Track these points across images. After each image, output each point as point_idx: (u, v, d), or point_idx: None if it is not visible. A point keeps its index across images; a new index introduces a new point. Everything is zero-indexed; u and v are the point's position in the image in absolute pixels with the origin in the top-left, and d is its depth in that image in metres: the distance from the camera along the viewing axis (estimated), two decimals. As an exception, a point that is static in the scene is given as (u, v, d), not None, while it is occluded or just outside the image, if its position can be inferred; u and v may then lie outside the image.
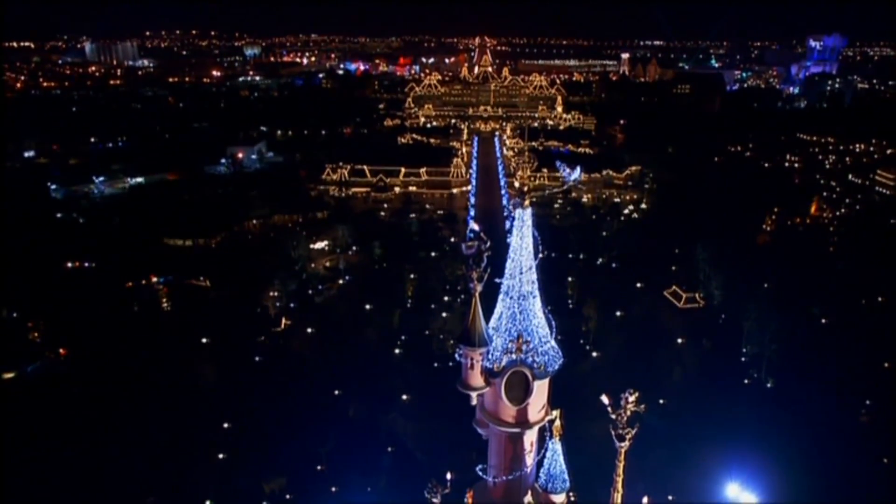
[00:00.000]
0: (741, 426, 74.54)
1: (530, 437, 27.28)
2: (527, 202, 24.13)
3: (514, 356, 25.87)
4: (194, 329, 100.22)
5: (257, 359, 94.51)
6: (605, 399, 22.84)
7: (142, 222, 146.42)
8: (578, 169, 24.51)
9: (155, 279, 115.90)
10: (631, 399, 22.58)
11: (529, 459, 27.59)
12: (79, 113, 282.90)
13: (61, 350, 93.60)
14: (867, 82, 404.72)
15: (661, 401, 79.74)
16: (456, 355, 26.51)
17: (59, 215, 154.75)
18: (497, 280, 26.24)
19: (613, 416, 22.91)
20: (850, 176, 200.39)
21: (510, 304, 25.85)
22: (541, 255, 25.55)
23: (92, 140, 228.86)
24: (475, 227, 24.82)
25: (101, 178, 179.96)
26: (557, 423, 27.16)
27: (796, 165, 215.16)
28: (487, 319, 26.13)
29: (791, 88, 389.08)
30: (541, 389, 26.66)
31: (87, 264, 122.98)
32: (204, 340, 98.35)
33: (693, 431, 73.48)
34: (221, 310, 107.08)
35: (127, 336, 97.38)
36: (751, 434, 72.17)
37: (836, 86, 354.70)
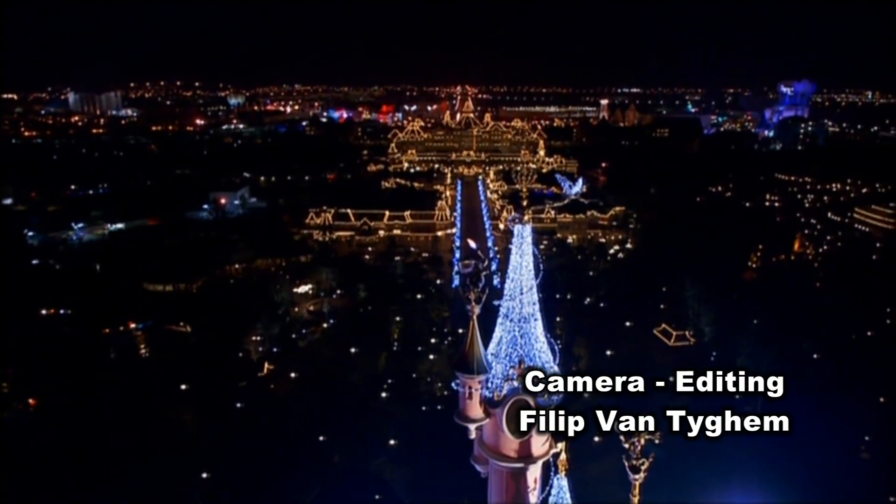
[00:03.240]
0: (739, 464, 72.32)
1: (534, 472, 25.20)
2: (527, 217, 22.80)
3: (515, 384, 24.09)
4: (173, 375, 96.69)
5: (238, 405, 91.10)
6: (617, 426, 21.06)
7: (121, 268, 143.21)
8: (580, 181, 23.30)
9: (133, 325, 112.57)
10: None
11: (533, 497, 25.46)
12: (60, 161, 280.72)
13: (31, 400, 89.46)
14: (837, 126, 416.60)
15: (657, 440, 77.40)
16: (453, 384, 24.69)
17: (35, 262, 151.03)
18: (496, 302, 24.69)
19: (626, 446, 21.15)
20: (829, 214, 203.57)
21: (510, 327, 24.24)
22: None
23: (72, 187, 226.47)
24: (472, 244, 23.40)
25: (81, 225, 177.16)
26: (563, 456, 25.25)
27: (776, 204, 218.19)
28: (486, 345, 24.45)
29: (766, 132, 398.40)
30: (545, 420, 24.77)
31: (62, 311, 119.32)
32: (183, 387, 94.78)
33: (691, 470, 71.06)
34: (202, 355, 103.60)
35: (102, 384, 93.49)
36: (749, 472, 70.04)
37: (809, 128, 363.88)
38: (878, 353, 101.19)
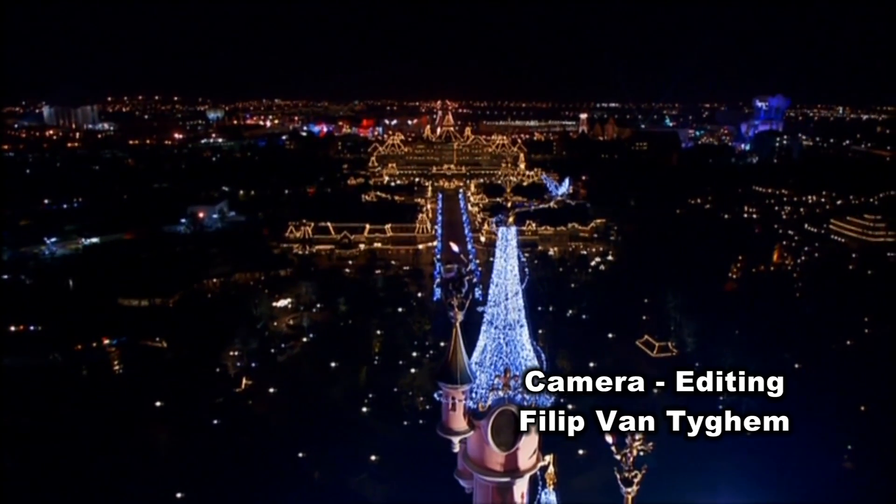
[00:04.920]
0: (723, 475, 71.78)
1: (521, 487, 24.17)
2: (511, 219, 21.95)
3: (501, 393, 23.11)
4: (148, 392, 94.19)
5: (216, 421, 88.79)
6: (608, 438, 20.15)
7: (95, 283, 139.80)
8: (567, 182, 22.54)
9: (107, 341, 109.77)
10: (637, 437, 19.99)
11: (520, 513, 24.41)
12: (33, 175, 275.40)
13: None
14: (811, 140, 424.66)
15: (642, 452, 76.60)
16: (435, 395, 23.61)
17: (4, 277, 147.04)
18: (479, 309, 23.76)
19: (618, 457, 20.24)
20: (806, 225, 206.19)
21: (495, 334, 23.29)
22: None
23: (45, 201, 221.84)
24: (455, 247, 22.49)
25: (53, 239, 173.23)
26: (551, 470, 24.31)
27: (755, 216, 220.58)
28: (470, 353, 23.44)
29: (742, 145, 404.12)
30: (531, 432, 23.75)
31: (31, 327, 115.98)
32: (158, 404, 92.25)
33: (672, 479, 70.27)
34: (178, 371, 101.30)
35: (73, 401, 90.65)
36: (734, 483, 69.51)
37: (784, 142, 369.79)
38: (858, 362, 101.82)
